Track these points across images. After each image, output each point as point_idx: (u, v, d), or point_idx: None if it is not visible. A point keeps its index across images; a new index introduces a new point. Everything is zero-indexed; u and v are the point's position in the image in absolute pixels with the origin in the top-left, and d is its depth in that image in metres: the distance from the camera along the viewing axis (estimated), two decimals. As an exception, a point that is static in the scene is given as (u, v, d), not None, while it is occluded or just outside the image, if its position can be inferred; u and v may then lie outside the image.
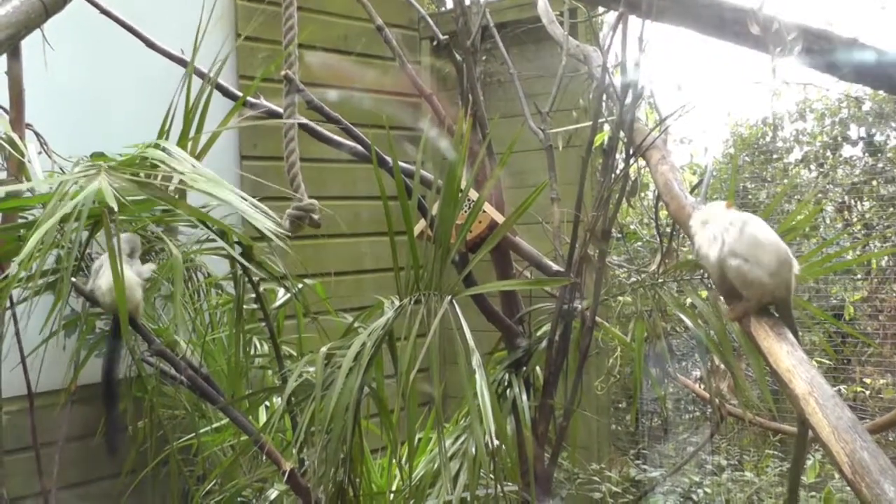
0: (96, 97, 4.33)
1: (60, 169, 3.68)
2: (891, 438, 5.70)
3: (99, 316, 3.61)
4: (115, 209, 2.18)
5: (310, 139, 3.21)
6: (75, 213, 2.24)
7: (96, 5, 3.35)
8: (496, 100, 5.14)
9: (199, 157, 2.84)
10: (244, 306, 3.38)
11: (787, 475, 5.30)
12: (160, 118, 3.09)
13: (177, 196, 2.68)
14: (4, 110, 3.41)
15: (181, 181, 2.44)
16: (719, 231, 2.44)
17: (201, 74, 3.19)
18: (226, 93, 3.31)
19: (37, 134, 3.65)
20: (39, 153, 3.58)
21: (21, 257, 2.17)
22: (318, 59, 5.00)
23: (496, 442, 2.70)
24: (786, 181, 6.56)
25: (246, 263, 3.15)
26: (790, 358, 2.33)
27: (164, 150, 2.58)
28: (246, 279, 3.23)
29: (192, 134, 2.98)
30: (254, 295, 3.31)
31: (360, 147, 3.15)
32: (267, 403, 3.76)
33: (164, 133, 3.04)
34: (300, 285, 3.49)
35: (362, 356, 2.69)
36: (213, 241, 3.16)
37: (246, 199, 2.49)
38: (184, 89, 3.08)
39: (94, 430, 3.64)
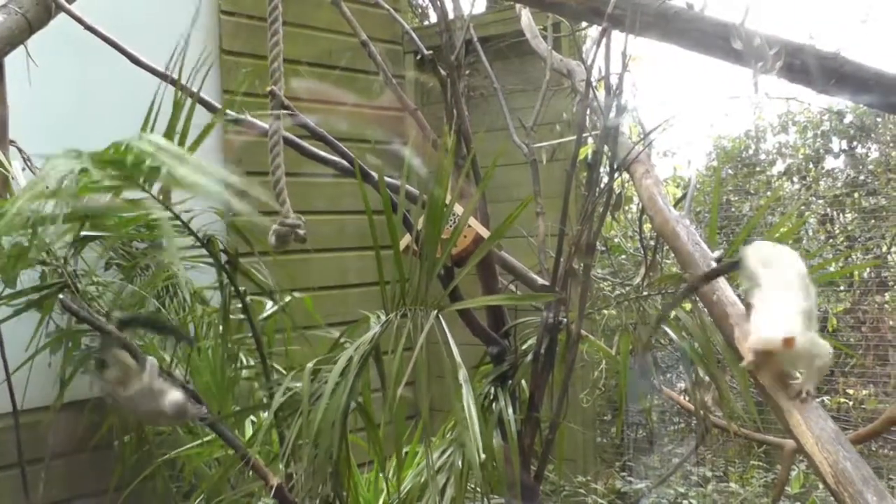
0: (80, 112, 4.32)
1: (46, 186, 3.66)
2: (874, 448, 5.73)
3: (85, 332, 3.60)
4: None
5: (295, 154, 3.22)
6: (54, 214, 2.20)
7: (81, 21, 3.34)
8: (480, 114, 5.15)
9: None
10: (230, 316, 3.38)
11: (771, 486, 5.33)
12: (147, 133, 3.09)
13: (161, 197, 2.67)
14: (-13, 127, 3.41)
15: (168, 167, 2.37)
16: (796, 307, 2.38)
17: (185, 90, 3.18)
18: (209, 106, 3.30)
19: (20, 150, 3.65)
20: (23, 169, 3.57)
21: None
22: (302, 74, 5.01)
23: (483, 455, 2.71)
24: (769, 193, 6.60)
25: (227, 275, 3.15)
26: (774, 371, 2.35)
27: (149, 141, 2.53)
28: (232, 288, 3.22)
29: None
30: (240, 305, 3.31)
31: (345, 162, 3.16)
32: (254, 418, 3.75)
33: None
34: (287, 298, 3.49)
35: (349, 371, 2.70)
36: (197, 248, 3.16)
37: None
38: (164, 103, 3.06)
39: (79, 447, 3.63)
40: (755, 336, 2.40)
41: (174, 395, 3.09)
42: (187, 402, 3.10)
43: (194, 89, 3.06)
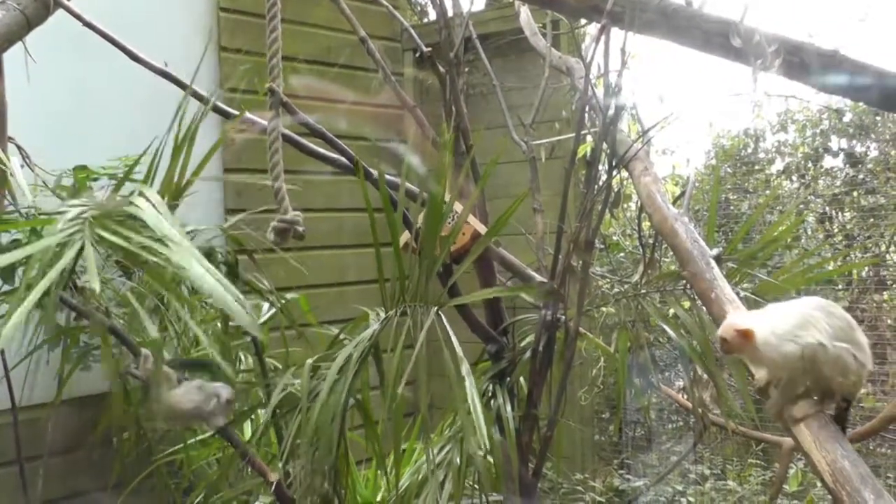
0: (79, 109, 4.32)
1: (43, 182, 3.66)
2: (871, 447, 5.73)
3: (83, 330, 3.60)
4: (97, 290, 2.14)
5: (293, 152, 3.21)
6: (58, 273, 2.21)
7: (79, 18, 3.34)
8: (479, 111, 5.15)
9: (189, 182, 2.82)
10: (230, 322, 3.38)
11: (769, 484, 5.33)
12: (144, 129, 3.06)
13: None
14: (-14, 124, 3.40)
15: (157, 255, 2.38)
16: (801, 319, 2.27)
17: (183, 86, 3.17)
18: (217, 110, 3.29)
19: (19, 147, 3.64)
20: (22, 167, 3.56)
21: (6, 330, 2.13)
22: (301, 71, 5.01)
23: (484, 450, 2.71)
24: (767, 192, 6.60)
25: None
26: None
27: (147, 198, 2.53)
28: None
29: (180, 162, 2.95)
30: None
31: (344, 159, 3.16)
32: (252, 416, 3.75)
33: (150, 176, 2.98)
34: (283, 300, 3.49)
35: (348, 368, 2.70)
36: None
37: (223, 283, 2.38)
38: (165, 105, 3.06)
39: (78, 444, 3.62)
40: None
41: (224, 390, 3.10)
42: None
43: (193, 86, 3.07)
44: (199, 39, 4.88)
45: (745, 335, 2.27)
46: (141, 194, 2.39)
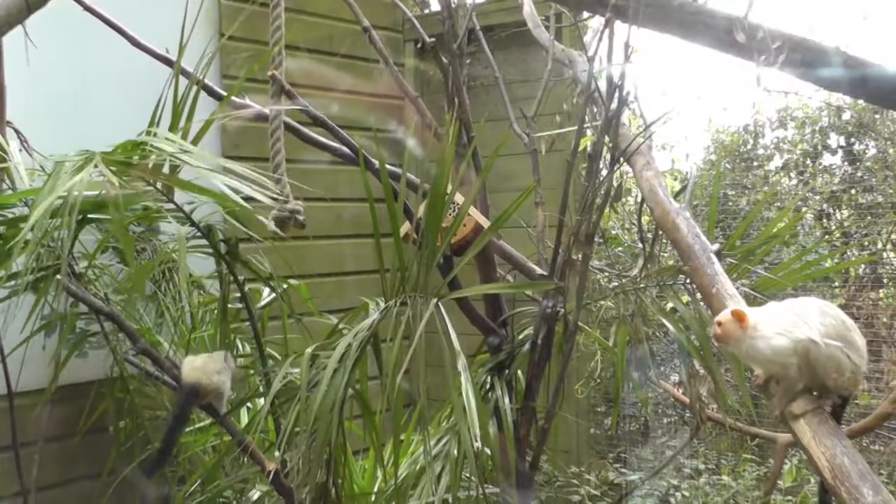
0: (78, 94, 4.30)
1: (41, 167, 3.66)
2: (865, 444, 5.73)
3: (79, 316, 3.59)
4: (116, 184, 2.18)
5: (291, 141, 3.20)
6: (75, 187, 2.24)
7: (80, 2, 3.33)
8: (480, 104, 5.14)
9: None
10: (228, 306, 3.38)
11: (764, 479, 5.34)
12: (143, 116, 3.07)
13: (164, 190, 2.69)
14: (-16, 108, 3.38)
15: (174, 159, 2.42)
16: (794, 317, 2.32)
17: (187, 74, 3.17)
18: (210, 92, 3.29)
19: (17, 131, 3.63)
20: (20, 151, 3.55)
21: (28, 224, 2.17)
22: (302, 59, 4.99)
23: (479, 444, 2.71)
24: (766, 188, 6.59)
25: (226, 264, 3.16)
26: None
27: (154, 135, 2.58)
28: (231, 278, 3.22)
29: (179, 129, 2.97)
30: (238, 294, 3.31)
31: (345, 148, 3.15)
32: (249, 405, 3.75)
33: (153, 125, 3.01)
34: (285, 285, 3.49)
35: (347, 357, 2.70)
36: (198, 238, 3.17)
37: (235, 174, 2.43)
38: (169, 88, 3.06)
39: (73, 430, 3.61)
40: None
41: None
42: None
43: (194, 75, 3.06)
44: (200, 26, 4.86)
45: (740, 318, 2.34)
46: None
